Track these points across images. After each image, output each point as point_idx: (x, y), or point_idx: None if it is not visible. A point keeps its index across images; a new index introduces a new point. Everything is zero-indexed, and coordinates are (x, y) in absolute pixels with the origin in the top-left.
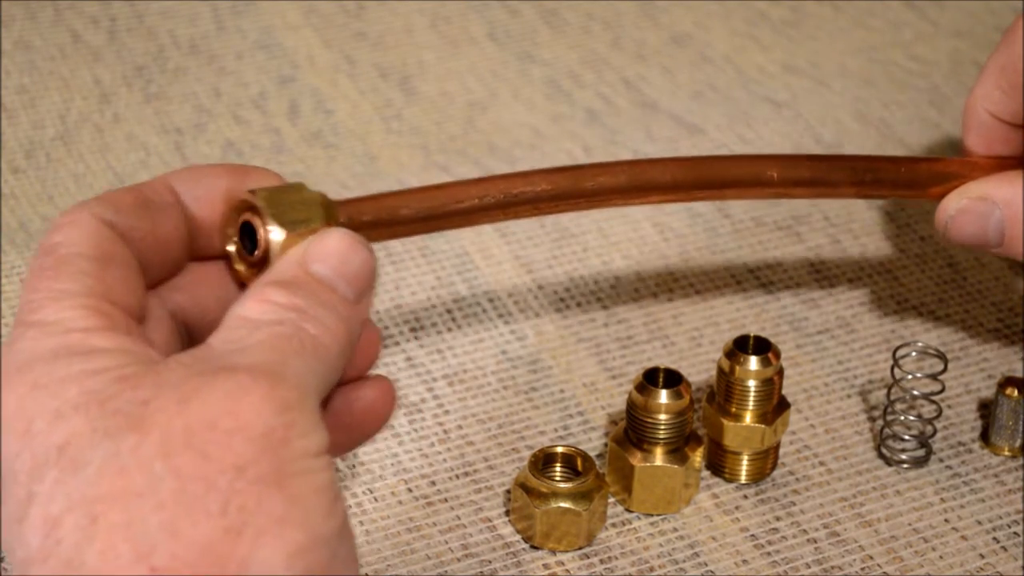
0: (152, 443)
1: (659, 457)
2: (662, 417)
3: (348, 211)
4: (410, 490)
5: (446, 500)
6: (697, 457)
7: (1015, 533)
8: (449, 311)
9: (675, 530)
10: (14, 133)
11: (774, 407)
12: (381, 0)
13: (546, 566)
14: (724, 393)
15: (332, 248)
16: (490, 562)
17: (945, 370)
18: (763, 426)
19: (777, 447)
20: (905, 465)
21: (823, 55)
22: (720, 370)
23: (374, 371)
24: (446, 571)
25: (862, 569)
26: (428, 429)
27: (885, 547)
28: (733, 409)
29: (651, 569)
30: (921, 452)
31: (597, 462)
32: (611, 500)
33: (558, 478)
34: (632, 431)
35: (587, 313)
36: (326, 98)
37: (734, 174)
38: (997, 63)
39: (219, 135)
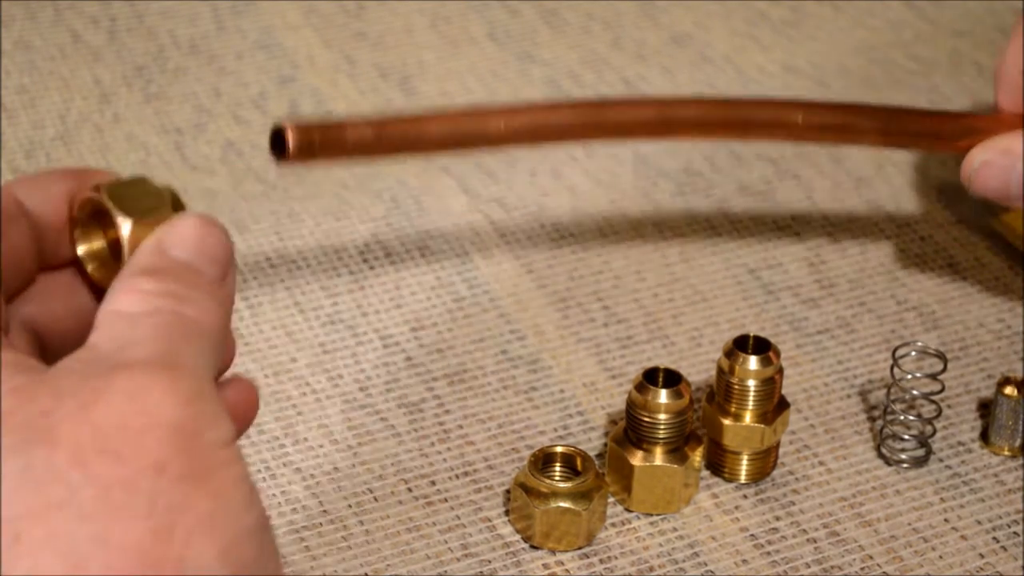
0: (64, 453)
1: (659, 457)
2: (662, 417)
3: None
4: (410, 490)
5: (446, 500)
6: (697, 457)
7: (1015, 533)
8: (449, 311)
9: (675, 530)
10: (14, 133)
11: (774, 407)
12: (381, 0)
13: (546, 566)
14: (724, 393)
15: (187, 232)
16: (490, 562)
17: (945, 370)
18: (763, 426)
19: (777, 447)
20: (905, 465)
21: (823, 55)
22: (720, 370)
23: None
24: (446, 571)
25: (862, 569)
26: (428, 429)
27: (885, 547)
28: (733, 409)
29: (651, 569)
30: (921, 452)
31: (597, 462)
32: (611, 500)
33: (558, 478)
34: (632, 431)
35: (587, 313)
36: (326, 98)
37: (760, 116)
38: None
39: (219, 135)
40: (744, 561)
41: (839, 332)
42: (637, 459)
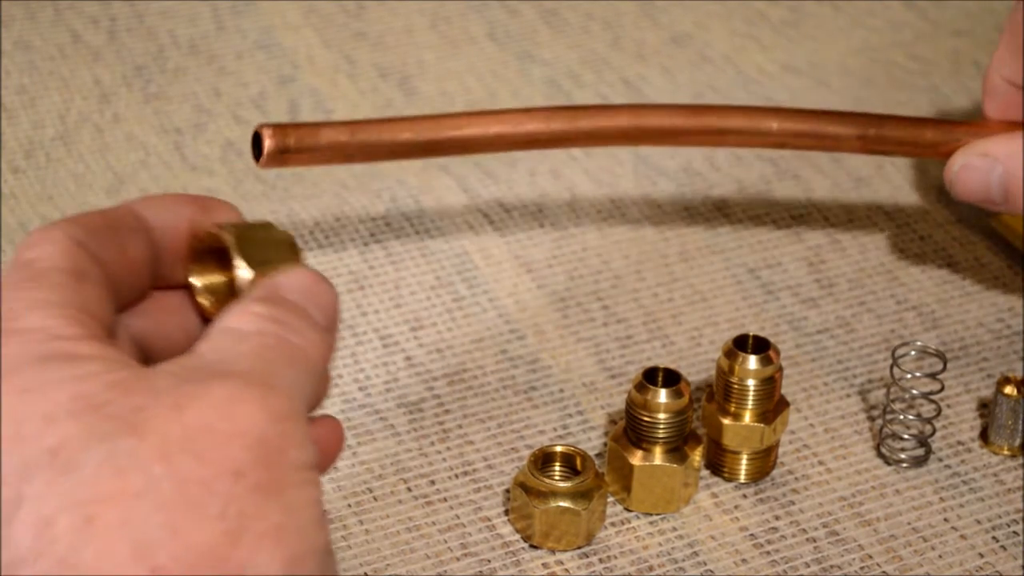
0: (149, 446)
1: (658, 456)
2: (661, 416)
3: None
4: (410, 489)
5: (445, 499)
6: (696, 456)
7: (1014, 532)
8: (449, 311)
9: (674, 529)
10: (14, 133)
11: (773, 406)
12: (381, 0)
13: (545, 565)
14: (723, 392)
15: (301, 281)
16: (489, 561)
17: (944, 369)
18: (762, 425)
19: (776, 446)
20: (904, 464)
21: (823, 55)
22: (719, 369)
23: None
24: (445, 570)
25: (861, 568)
26: (428, 428)
27: (884, 546)
28: (732, 408)
29: (650, 568)
30: (920, 451)
31: (596, 461)
32: (610, 499)
33: (557, 477)
34: (631, 430)
35: (587, 313)
36: (326, 98)
37: (734, 123)
38: (1008, 28)
39: (219, 135)
40: (744, 561)
41: (839, 332)
42: (637, 459)
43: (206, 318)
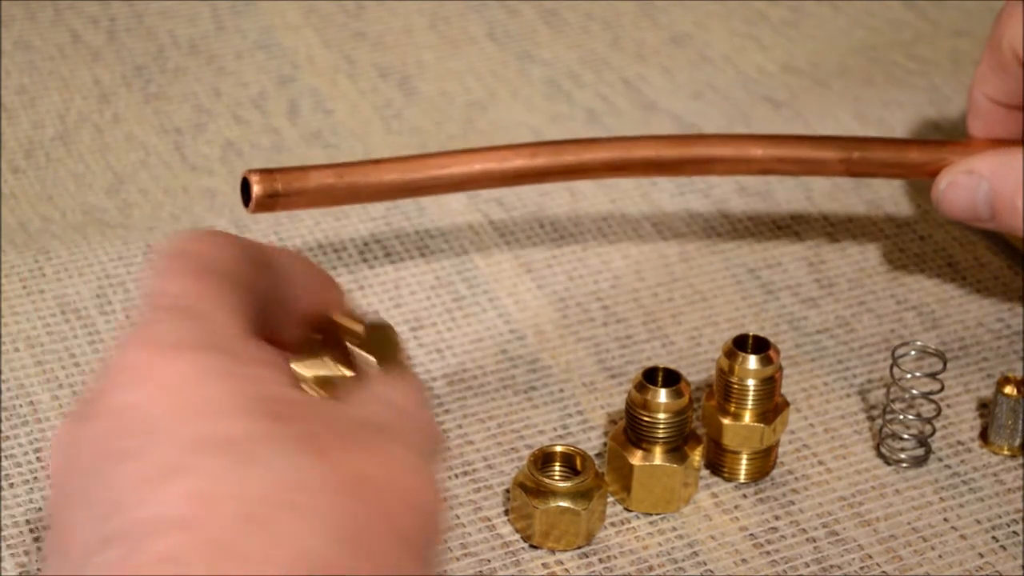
0: (329, 475)
1: (658, 456)
2: (661, 416)
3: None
4: None
5: (445, 499)
6: (696, 456)
7: (1014, 532)
8: (449, 311)
9: (674, 529)
10: (14, 133)
11: (773, 406)
12: (381, 0)
13: (545, 565)
14: (723, 392)
15: (416, 389)
16: (489, 561)
17: (944, 369)
18: (762, 425)
19: (776, 446)
20: (904, 464)
21: (823, 55)
22: (719, 369)
23: None
24: (445, 570)
25: (861, 568)
26: None
27: (884, 546)
28: (732, 408)
29: (650, 568)
30: (920, 451)
31: (596, 461)
32: (610, 499)
33: (557, 477)
34: (631, 430)
35: (587, 313)
36: (326, 98)
37: (719, 152)
38: (988, 46)
39: (219, 135)
40: (744, 561)
41: (838, 332)
42: (637, 459)
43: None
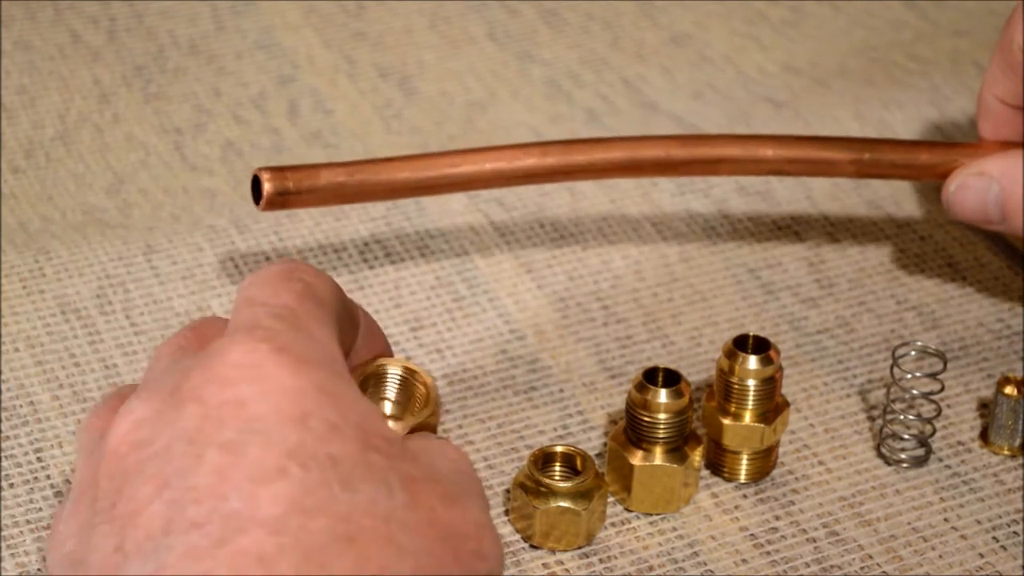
0: (419, 517)
1: (658, 456)
2: (661, 416)
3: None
4: None
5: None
6: (696, 456)
7: (1015, 532)
8: (449, 311)
9: (674, 529)
10: (14, 133)
11: (774, 406)
12: (381, 0)
13: (545, 565)
14: (723, 392)
15: (462, 450)
16: None
17: (944, 369)
18: (762, 425)
19: (776, 446)
20: (904, 464)
21: (823, 55)
22: (720, 369)
23: None
24: None
25: (861, 568)
26: None
27: (884, 546)
28: (732, 408)
29: (650, 568)
30: (920, 451)
31: (596, 461)
32: (610, 499)
33: (557, 477)
34: (631, 430)
35: (587, 313)
36: (326, 98)
37: (730, 152)
38: (999, 48)
39: (219, 135)
40: (744, 561)
41: (839, 332)
42: (637, 459)
43: None
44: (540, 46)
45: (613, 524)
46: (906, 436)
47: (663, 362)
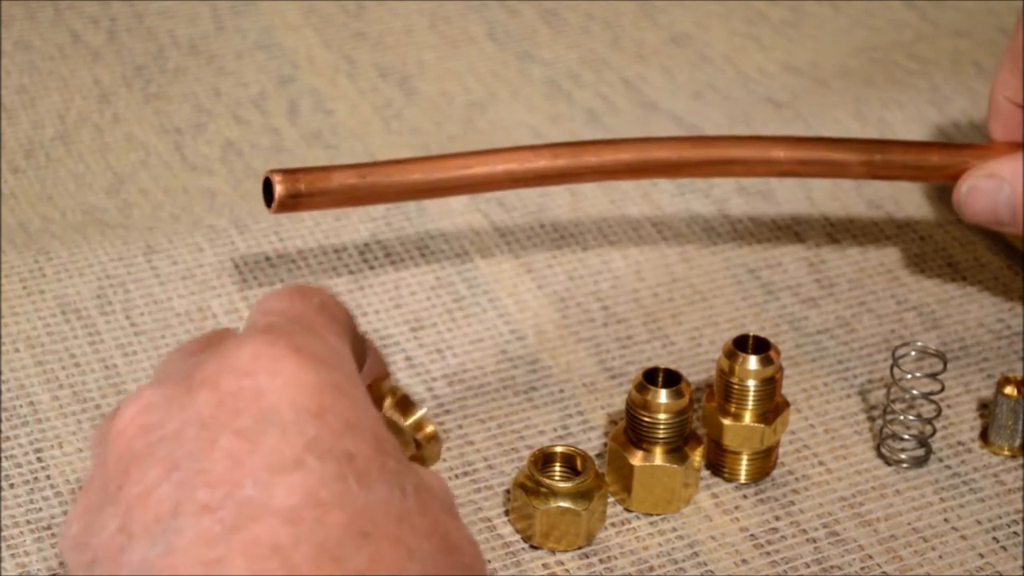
0: (430, 527)
1: (659, 457)
2: (661, 417)
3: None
4: None
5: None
6: (697, 457)
7: (1015, 533)
8: (449, 311)
9: (674, 530)
10: (14, 133)
11: (774, 407)
12: (381, 0)
13: (545, 566)
14: (724, 393)
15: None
16: (489, 562)
17: (944, 370)
18: (763, 426)
19: (777, 447)
20: (904, 465)
21: (823, 55)
22: (720, 370)
23: None
24: None
25: (861, 569)
26: None
27: (884, 547)
28: (733, 409)
29: (651, 569)
30: (920, 452)
31: (596, 462)
32: (610, 500)
33: (557, 478)
34: (632, 431)
35: (587, 313)
36: (326, 98)
37: (740, 154)
38: (1010, 49)
39: (219, 135)
40: (744, 561)
41: (839, 332)
42: (637, 459)
43: None
44: (540, 46)
45: (613, 524)
46: (906, 436)
47: (663, 362)
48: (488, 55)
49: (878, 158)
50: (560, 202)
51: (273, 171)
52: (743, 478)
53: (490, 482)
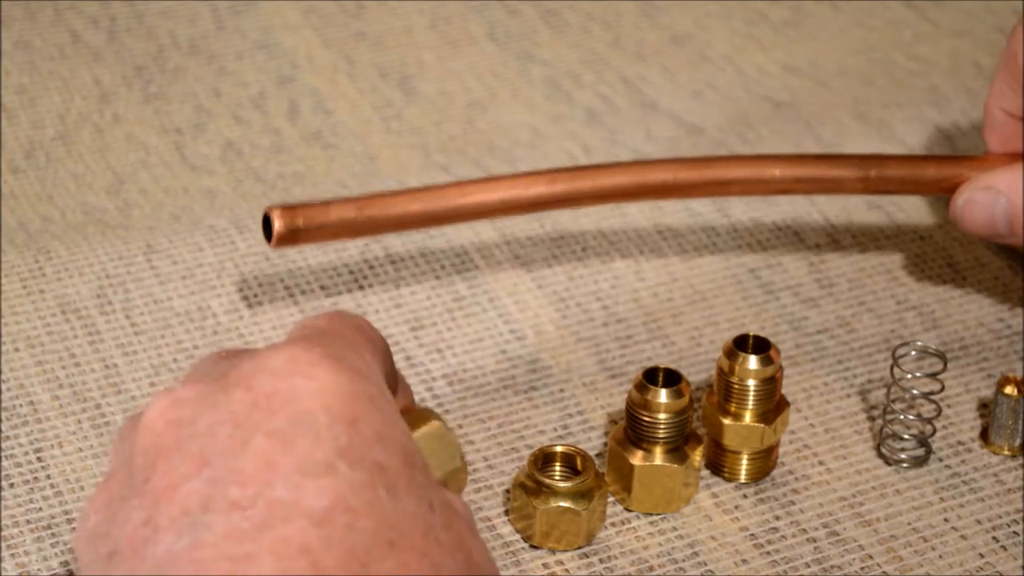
0: (453, 539)
1: (659, 456)
2: (662, 416)
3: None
4: None
5: None
6: (697, 456)
7: (1015, 532)
8: (449, 311)
9: (674, 529)
10: (14, 133)
11: (774, 406)
12: (381, 0)
13: (545, 565)
14: (724, 392)
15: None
16: None
17: (944, 369)
18: (763, 425)
19: (777, 446)
20: (904, 464)
21: (823, 55)
22: (720, 369)
23: None
24: None
25: (861, 568)
26: None
27: (884, 546)
28: (733, 408)
29: (651, 568)
30: (920, 451)
31: (597, 461)
32: (610, 499)
33: (557, 477)
34: (632, 430)
35: (587, 313)
36: (326, 98)
37: (736, 174)
38: (1004, 60)
39: (219, 135)
40: (744, 561)
41: (839, 332)
42: (637, 459)
43: None
44: (540, 46)
45: (613, 524)
46: (906, 436)
47: (663, 362)
48: (488, 55)
49: (874, 174)
50: None
51: (272, 207)
52: (743, 478)
53: (490, 482)
